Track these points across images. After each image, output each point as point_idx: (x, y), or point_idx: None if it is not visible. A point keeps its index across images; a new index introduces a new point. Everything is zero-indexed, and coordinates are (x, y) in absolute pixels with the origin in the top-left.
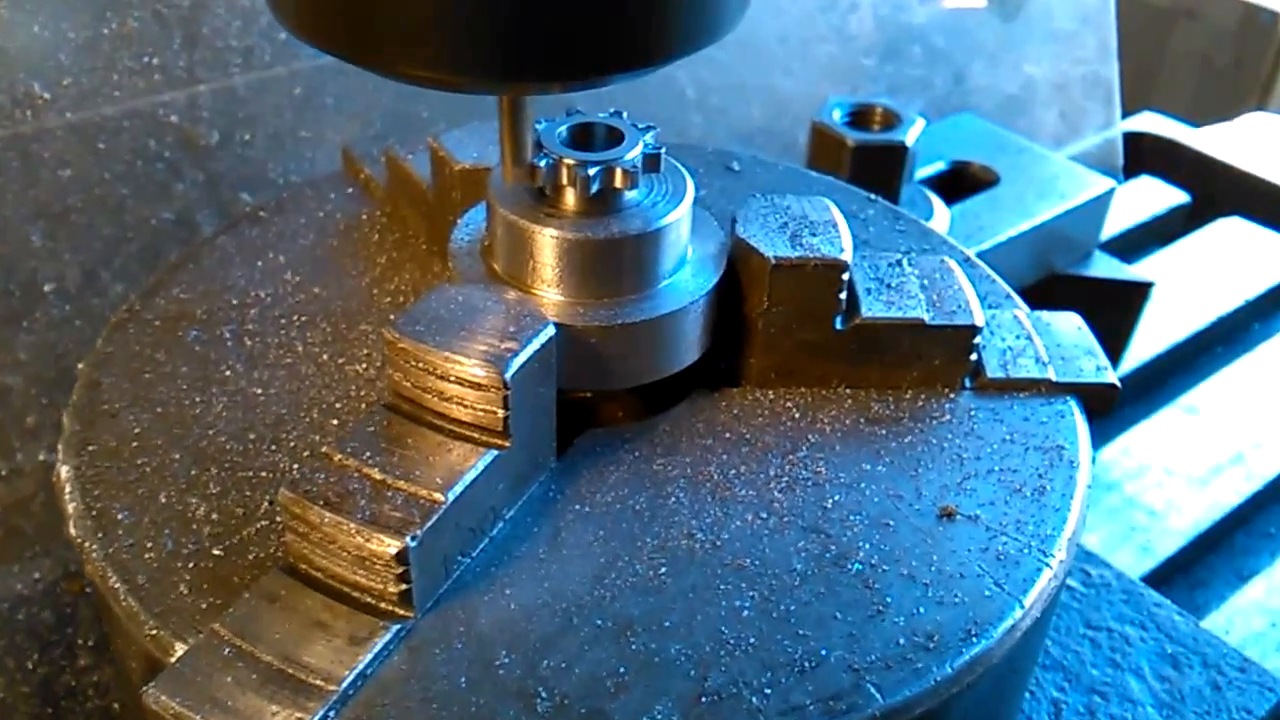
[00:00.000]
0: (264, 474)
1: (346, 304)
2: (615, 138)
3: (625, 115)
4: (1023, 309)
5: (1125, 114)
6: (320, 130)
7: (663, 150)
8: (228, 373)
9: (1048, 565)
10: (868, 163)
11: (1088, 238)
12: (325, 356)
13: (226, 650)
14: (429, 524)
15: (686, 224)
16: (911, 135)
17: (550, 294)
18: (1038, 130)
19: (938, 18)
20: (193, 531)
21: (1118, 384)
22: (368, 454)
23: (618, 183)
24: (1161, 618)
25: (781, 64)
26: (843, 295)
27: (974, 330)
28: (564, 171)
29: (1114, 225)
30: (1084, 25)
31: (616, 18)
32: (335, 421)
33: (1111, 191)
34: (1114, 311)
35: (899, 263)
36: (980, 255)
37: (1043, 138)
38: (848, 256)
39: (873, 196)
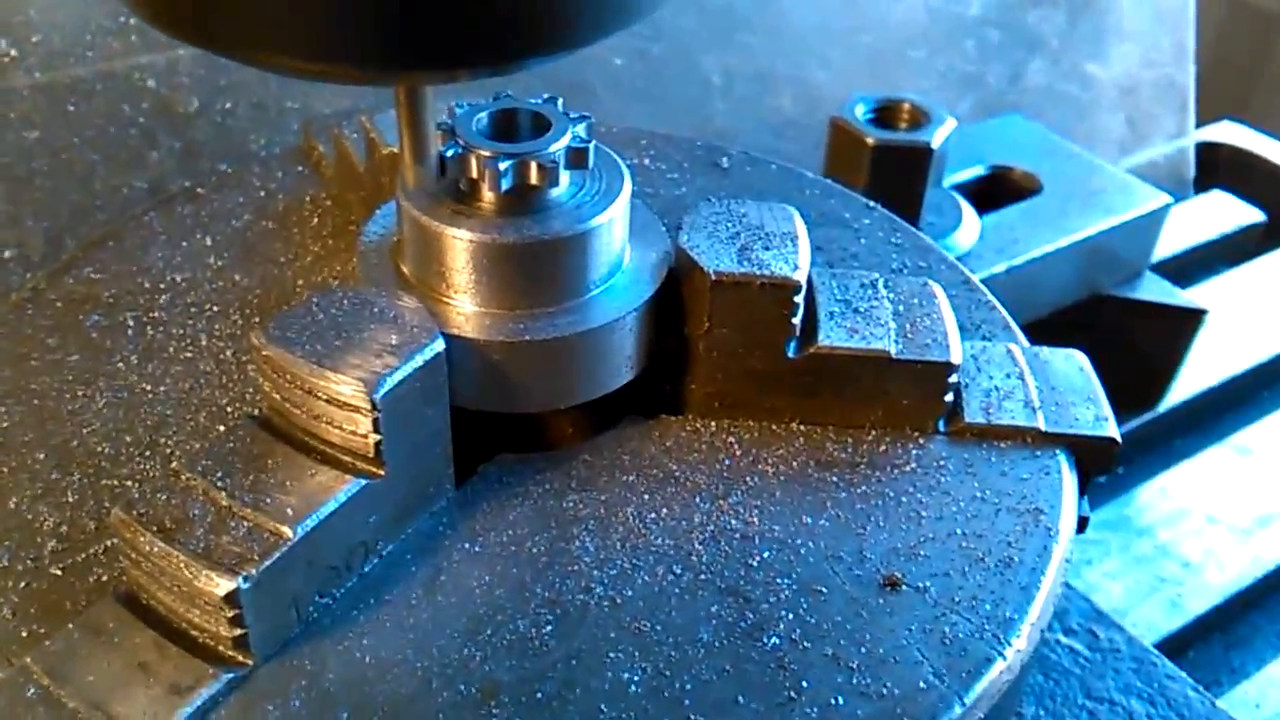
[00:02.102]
0: (130, 483)
1: (265, 295)
2: (542, 127)
3: (560, 102)
4: (1020, 343)
5: (1209, 122)
6: (307, 101)
7: (592, 144)
8: (120, 365)
9: (1001, 655)
10: (889, 164)
11: (1137, 257)
12: (229, 353)
13: (31, 691)
14: (269, 562)
15: (619, 228)
16: (939, 136)
17: (460, 302)
18: (1100, 136)
19: (995, 10)
20: (36, 545)
21: (1118, 438)
22: (219, 474)
23: (533, 179)
24: (1174, 692)
25: (818, 53)
26: (795, 319)
27: (949, 368)
28: (473, 164)
29: (1177, 243)
30: (1159, 24)
31: None
32: (221, 427)
33: (1167, 208)
34: (1162, 339)
35: (874, 284)
36: (1012, 270)
37: (1105, 145)
38: (801, 276)
39: (871, 204)
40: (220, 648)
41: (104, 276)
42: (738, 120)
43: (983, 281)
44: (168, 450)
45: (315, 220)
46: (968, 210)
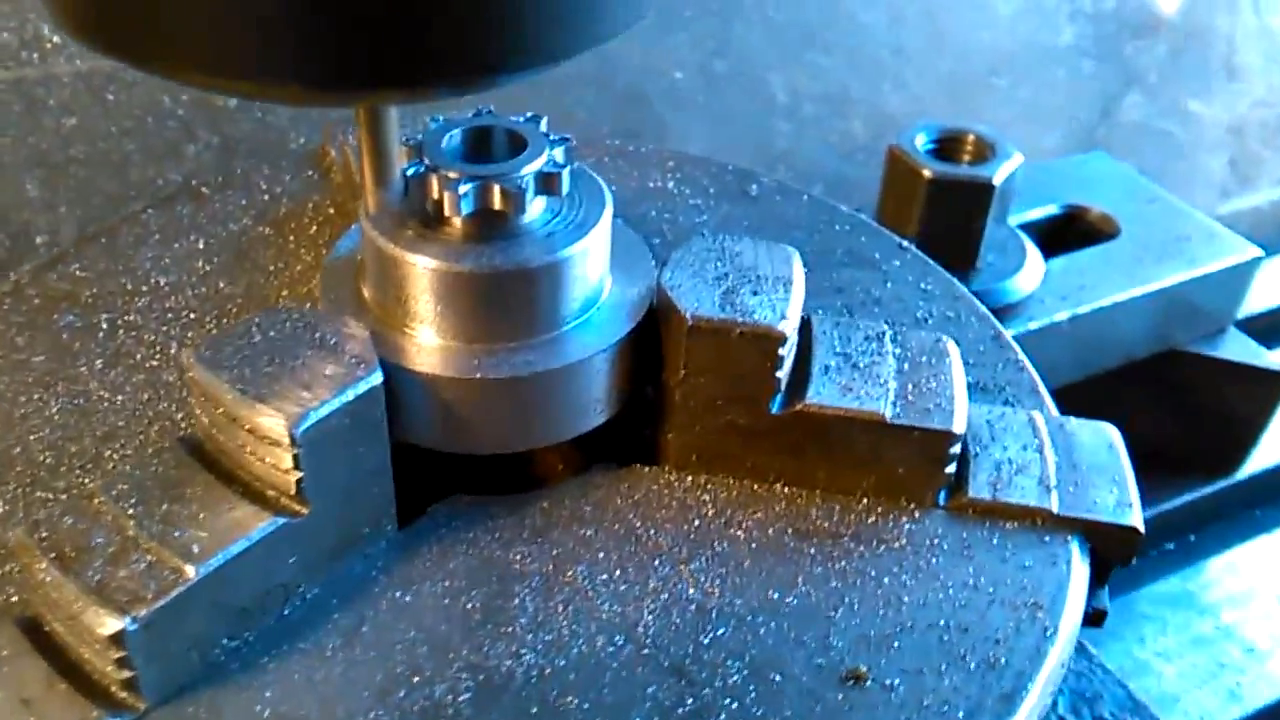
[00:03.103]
0: (64, 498)
1: (246, 304)
2: (519, 147)
3: (543, 121)
4: (1046, 410)
5: None
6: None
7: (567, 169)
8: (83, 369)
9: None
10: (946, 199)
11: (1221, 312)
12: None
13: None
14: (163, 602)
15: (596, 260)
16: (1002, 173)
17: (418, 332)
18: (1198, 178)
19: (1090, 39)
20: None
21: (1140, 528)
22: (133, 500)
23: (496, 203)
24: None
25: (893, 76)
26: (779, 373)
27: (949, 438)
28: (434, 185)
29: (1271, 298)
30: (1271, 62)
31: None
32: (170, 444)
33: (1256, 262)
34: (1245, 401)
35: (879, 337)
36: (1076, 319)
37: (1204, 187)
38: (787, 327)
39: (905, 244)
40: (111, 688)
41: (88, 275)
42: (802, 142)
43: (1043, 329)
44: (110, 465)
45: (314, 228)
46: (1032, 251)
